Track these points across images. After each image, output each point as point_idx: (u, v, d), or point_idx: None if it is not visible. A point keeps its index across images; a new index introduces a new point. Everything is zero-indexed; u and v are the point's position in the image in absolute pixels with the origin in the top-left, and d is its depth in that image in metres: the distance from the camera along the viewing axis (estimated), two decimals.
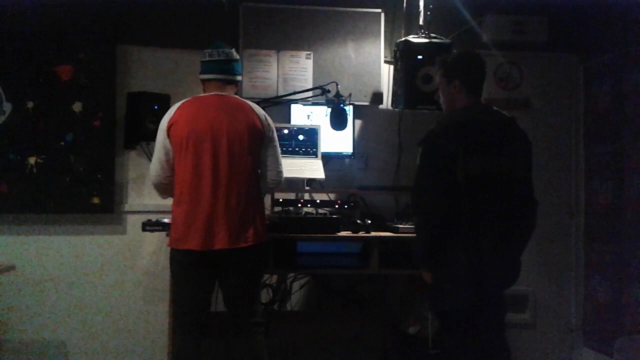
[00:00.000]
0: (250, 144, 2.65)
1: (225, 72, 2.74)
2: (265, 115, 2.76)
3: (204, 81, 2.78)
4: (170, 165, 2.68)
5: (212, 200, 2.56)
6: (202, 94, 2.76)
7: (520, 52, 3.94)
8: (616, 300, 3.64)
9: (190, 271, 2.63)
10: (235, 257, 2.60)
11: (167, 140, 2.65)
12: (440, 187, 2.42)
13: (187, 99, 2.74)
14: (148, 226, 3.08)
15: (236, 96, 2.78)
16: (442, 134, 2.47)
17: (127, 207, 3.66)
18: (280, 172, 2.78)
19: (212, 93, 2.73)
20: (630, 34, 3.58)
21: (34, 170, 3.51)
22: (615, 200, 3.67)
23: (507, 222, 2.47)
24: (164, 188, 2.76)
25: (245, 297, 2.71)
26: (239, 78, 2.82)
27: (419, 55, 3.51)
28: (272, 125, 2.78)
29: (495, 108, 2.58)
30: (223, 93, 2.73)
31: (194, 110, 2.66)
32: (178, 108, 2.69)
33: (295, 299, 3.69)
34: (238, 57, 2.82)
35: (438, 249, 2.47)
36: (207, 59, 2.75)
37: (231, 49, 2.80)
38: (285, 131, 3.51)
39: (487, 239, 2.43)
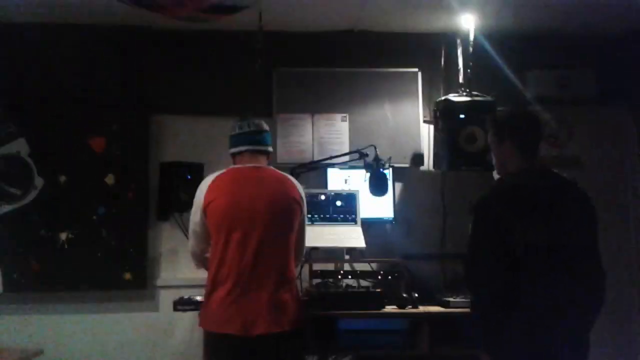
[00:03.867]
0: (291, 221, 2.52)
1: (256, 142, 2.62)
2: (300, 187, 2.64)
3: (234, 155, 2.64)
4: (206, 239, 2.56)
5: (253, 283, 2.40)
6: (238, 166, 2.62)
7: (568, 107, 3.73)
8: None
9: (230, 357, 2.43)
10: (274, 343, 2.40)
11: (204, 217, 2.52)
12: (496, 259, 2.18)
13: (221, 171, 2.59)
14: (179, 305, 2.93)
15: (274, 168, 2.65)
16: (496, 200, 2.26)
17: (160, 282, 3.52)
18: (305, 247, 2.73)
19: (248, 165, 2.59)
20: None
21: (65, 246, 3.42)
22: None
23: (573, 297, 2.20)
24: (200, 259, 2.65)
25: None
26: (270, 149, 2.69)
27: (461, 114, 3.36)
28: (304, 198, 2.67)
29: (554, 170, 2.37)
30: (259, 165, 2.60)
31: (231, 185, 2.52)
32: (214, 181, 2.54)
33: None
34: (267, 127, 2.70)
35: (496, 329, 2.21)
36: (237, 132, 2.63)
37: (260, 120, 2.69)
38: (322, 197, 3.38)
39: (551, 317, 2.17)
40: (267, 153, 2.66)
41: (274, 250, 2.46)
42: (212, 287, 2.47)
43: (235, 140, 2.64)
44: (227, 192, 2.49)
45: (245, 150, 2.61)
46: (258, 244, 2.42)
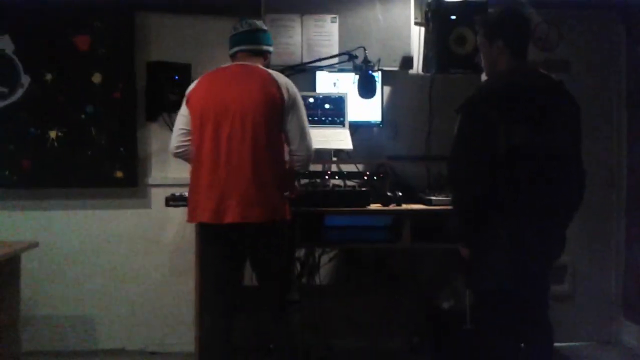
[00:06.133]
0: (266, 116, 2.50)
1: (247, 42, 2.64)
2: (286, 84, 2.59)
3: (232, 56, 2.68)
4: (185, 131, 2.62)
5: (226, 174, 2.45)
6: (225, 65, 2.67)
7: (559, 11, 3.69)
8: None
9: (214, 245, 2.56)
10: (258, 233, 2.51)
11: (187, 111, 2.59)
12: (480, 158, 2.24)
13: (212, 70, 2.67)
14: (172, 201, 3.01)
15: (260, 66, 2.63)
16: (483, 100, 2.29)
17: (150, 181, 3.60)
18: (307, 146, 2.60)
19: (235, 63, 2.64)
20: None
21: (55, 144, 3.45)
22: None
23: (553, 195, 2.29)
24: (180, 156, 2.69)
25: (273, 274, 2.63)
26: (265, 48, 2.68)
27: (452, 15, 3.32)
28: (296, 94, 2.61)
29: (542, 71, 2.39)
30: (246, 63, 2.61)
31: (211, 81, 2.58)
32: (201, 78, 2.63)
33: (324, 273, 3.60)
34: (265, 28, 2.70)
35: (477, 224, 2.32)
36: (233, 33, 2.67)
37: (257, 20, 2.70)
38: (311, 100, 3.37)
39: (531, 213, 2.27)
40: (261, 53, 2.66)
41: (249, 145, 2.45)
42: (194, 180, 2.55)
43: (231, 42, 2.67)
44: (205, 89, 2.56)
45: (239, 51, 2.64)
46: (230, 138, 2.45)
